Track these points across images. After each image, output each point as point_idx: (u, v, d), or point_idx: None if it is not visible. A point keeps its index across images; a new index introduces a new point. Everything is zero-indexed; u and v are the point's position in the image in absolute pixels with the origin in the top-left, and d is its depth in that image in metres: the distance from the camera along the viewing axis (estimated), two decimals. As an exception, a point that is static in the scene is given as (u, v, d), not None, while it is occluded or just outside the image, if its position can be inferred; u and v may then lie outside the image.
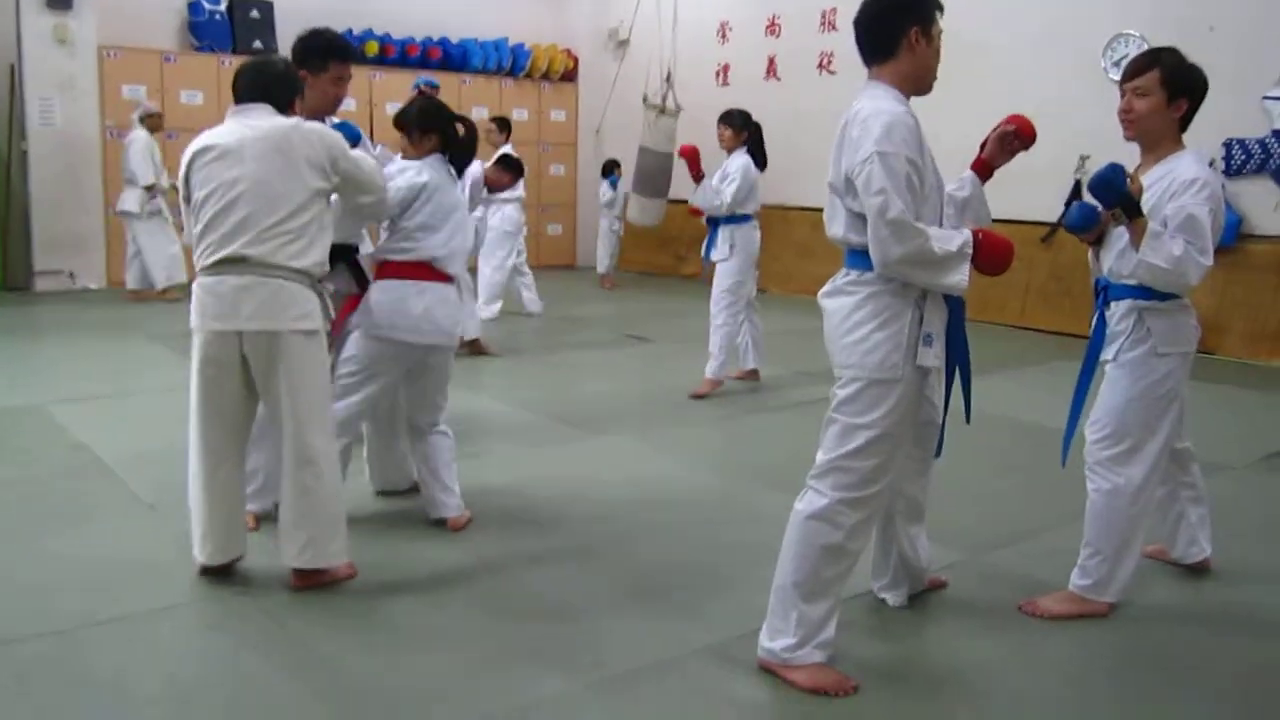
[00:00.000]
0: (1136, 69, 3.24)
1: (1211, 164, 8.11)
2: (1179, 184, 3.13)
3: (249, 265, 3.17)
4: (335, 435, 3.54)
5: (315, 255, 3.27)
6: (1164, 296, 3.19)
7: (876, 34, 2.83)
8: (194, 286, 3.28)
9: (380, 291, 3.80)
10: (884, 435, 2.75)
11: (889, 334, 2.72)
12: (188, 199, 3.29)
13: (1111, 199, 3.10)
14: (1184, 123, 3.26)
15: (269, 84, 3.35)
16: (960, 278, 2.69)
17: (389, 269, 3.84)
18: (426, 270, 3.85)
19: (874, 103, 2.73)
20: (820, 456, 2.81)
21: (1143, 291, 3.18)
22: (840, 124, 2.78)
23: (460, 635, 3.12)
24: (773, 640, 2.83)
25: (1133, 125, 3.25)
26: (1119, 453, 3.23)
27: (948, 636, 3.19)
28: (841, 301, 2.81)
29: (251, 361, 3.24)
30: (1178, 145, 3.26)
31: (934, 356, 2.78)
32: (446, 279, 3.91)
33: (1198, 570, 3.65)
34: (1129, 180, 3.12)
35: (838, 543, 2.78)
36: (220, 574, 3.41)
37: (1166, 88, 3.18)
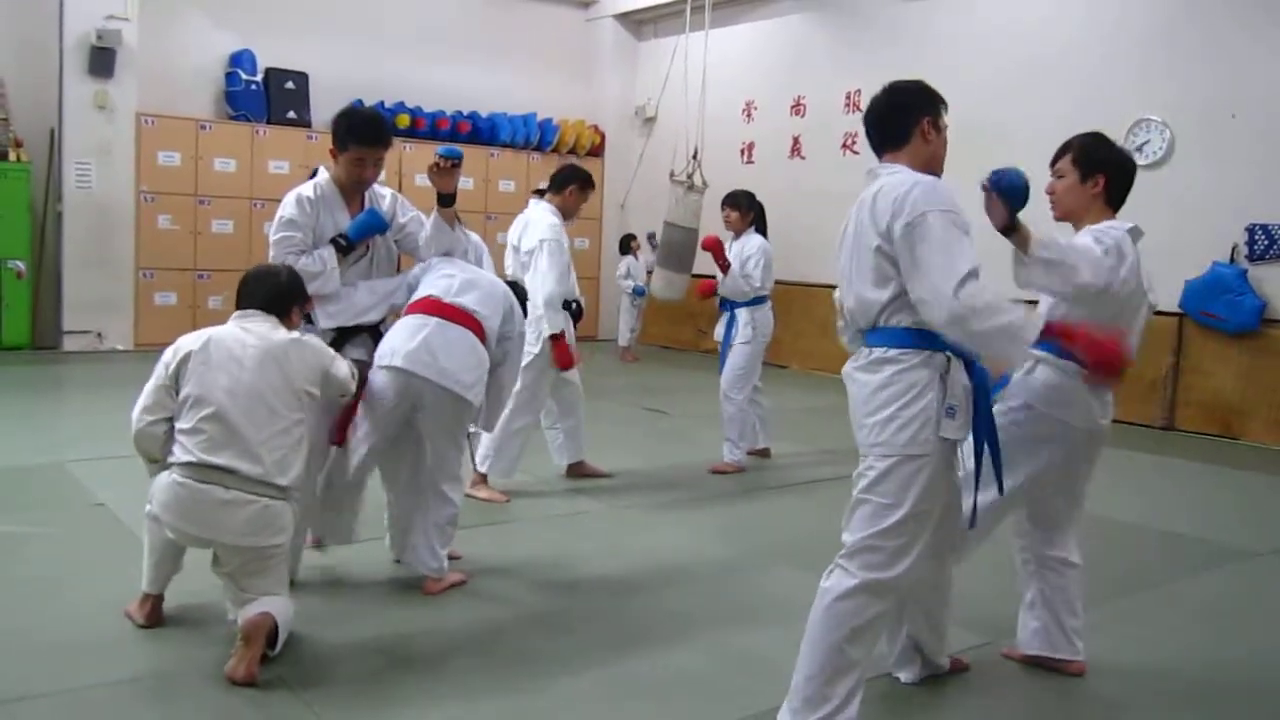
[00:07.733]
0: (1055, 156, 3.37)
1: (1231, 253, 8.13)
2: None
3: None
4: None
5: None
6: (1064, 355, 3.14)
7: (889, 124, 2.92)
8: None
9: (391, 329, 3.89)
10: (915, 514, 2.73)
11: (918, 410, 2.71)
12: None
13: (1018, 202, 2.89)
14: (1111, 198, 3.31)
15: (269, 295, 3.45)
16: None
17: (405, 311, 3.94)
18: (436, 305, 3.85)
19: (906, 175, 2.78)
20: (849, 537, 2.78)
21: (1042, 344, 3.09)
22: (868, 202, 2.80)
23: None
24: (792, 719, 2.78)
25: (1055, 204, 3.37)
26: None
27: (966, 721, 3.14)
28: (866, 378, 2.81)
29: None
30: (1103, 218, 3.30)
31: (956, 429, 2.77)
32: (462, 319, 3.86)
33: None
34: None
35: (863, 625, 2.75)
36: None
37: (1079, 167, 3.30)
